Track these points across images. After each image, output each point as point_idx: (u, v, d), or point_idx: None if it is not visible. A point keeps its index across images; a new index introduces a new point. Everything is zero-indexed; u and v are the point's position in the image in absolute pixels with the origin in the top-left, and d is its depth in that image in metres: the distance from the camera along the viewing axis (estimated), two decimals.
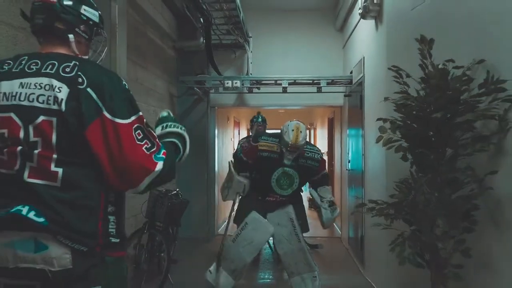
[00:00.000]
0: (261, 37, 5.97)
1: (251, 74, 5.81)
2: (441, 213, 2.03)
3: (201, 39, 5.47)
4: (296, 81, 5.39)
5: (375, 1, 3.70)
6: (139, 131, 1.36)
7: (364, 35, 4.40)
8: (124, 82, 1.40)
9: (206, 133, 5.99)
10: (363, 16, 3.89)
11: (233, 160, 3.59)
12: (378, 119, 2.41)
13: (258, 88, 5.69)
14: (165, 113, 1.68)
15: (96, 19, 1.50)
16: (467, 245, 2.07)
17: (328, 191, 3.39)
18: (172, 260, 3.60)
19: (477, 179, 2.07)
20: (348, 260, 5.09)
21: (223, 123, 7.28)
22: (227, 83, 5.32)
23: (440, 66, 2.09)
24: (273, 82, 5.46)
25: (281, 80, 5.34)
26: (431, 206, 2.03)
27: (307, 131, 3.82)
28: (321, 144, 9.43)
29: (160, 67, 5.09)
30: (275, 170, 3.20)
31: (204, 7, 4.68)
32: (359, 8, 3.91)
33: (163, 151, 1.40)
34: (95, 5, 1.52)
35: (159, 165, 1.36)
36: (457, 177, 2.03)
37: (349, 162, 5.33)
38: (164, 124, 1.62)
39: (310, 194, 3.58)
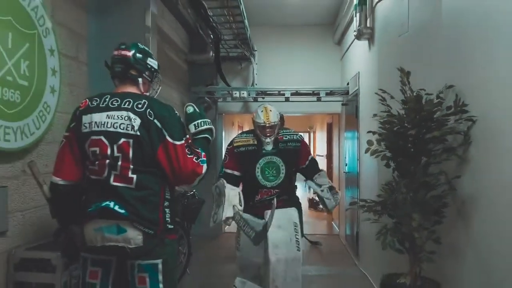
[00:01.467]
0: (265, 50, 6.50)
1: (256, 84, 6.33)
2: (416, 210, 2.54)
3: (211, 53, 5.99)
4: (298, 91, 5.91)
5: (368, 25, 4.22)
6: (188, 147, 1.88)
7: (359, 52, 4.92)
8: (176, 112, 1.92)
9: (215, 138, 6.49)
10: (357, 37, 4.41)
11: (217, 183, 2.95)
12: (368, 132, 2.93)
13: (263, 98, 6.20)
14: (191, 109, 2.17)
15: (156, 67, 2.03)
16: (437, 235, 2.58)
17: (324, 176, 3.17)
18: (189, 253, 4.10)
19: (447, 182, 2.59)
20: (345, 254, 5.61)
21: (228, 127, 7.81)
22: (235, 93, 5.84)
23: (415, 93, 2.61)
24: (277, 92, 5.97)
25: (284, 91, 5.86)
26: (407, 204, 2.55)
27: (305, 134, 3.96)
28: (321, 146, 9.95)
29: (175, 79, 5.61)
30: (257, 162, 2.96)
31: (215, 25, 5.20)
32: (354, 31, 4.43)
33: (203, 153, 1.93)
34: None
35: (204, 167, 1.90)
36: (427, 181, 2.54)
37: (346, 165, 5.84)
38: (196, 123, 2.10)
39: (309, 187, 3.32)
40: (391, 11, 3.79)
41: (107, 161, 1.80)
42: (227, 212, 2.64)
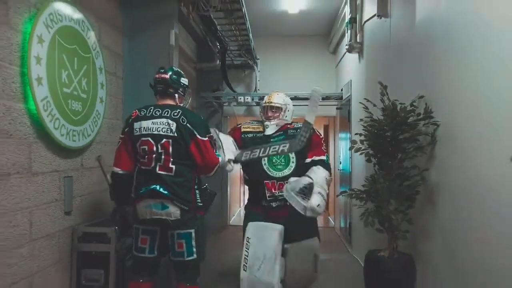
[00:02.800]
0: (267, 59, 7.12)
1: (258, 90, 6.95)
2: (393, 196, 3.16)
3: (217, 61, 6.60)
4: (297, 96, 6.53)
5: (358, 40, 4.84)
6: (210, 142, 2.51)
7: (350, 63, 5.55)
8: (202, 117, 2.55)
9: None
10: (349, 50, 5.03)
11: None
12: (356, 134, 3.55)
13: None
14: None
15: (187, 84, 2.65)
16: (410, 217, 3.21)
17: (315, 172, 2.71)
18: None
19: (418, 173, 3.21)
20: (339, 243, 6.24)
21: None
22: (240, 98, 6.46)
23: (391, 102, 3.24)
24: None
25: None
26: (386, 192, 3.17)
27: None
28: None
29: None
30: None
31: (222, 38, 5.82)
32: (346, 44, 5.06)
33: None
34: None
35: (220, 159, 2.53)
36: (401, 173, 3.17)
37: (340, 163, 6.47)
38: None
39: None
40: (376, 29, 4.42)
41: (154, 155, 2.42)
42: (228, 154, 2.64)
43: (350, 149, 3.41)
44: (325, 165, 2.88)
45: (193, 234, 2.47)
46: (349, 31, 4.94)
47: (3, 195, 2.09)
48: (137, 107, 2.54)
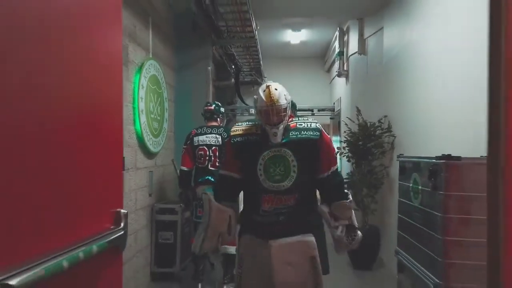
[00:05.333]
0: (272, 76, 8.54)
1: None
2: (364, 185, 4.63)
3: (232, 80, 8.06)
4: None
5: (345, 69, 6.31)
6: None
7: (340, 84, 7.03)
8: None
9: None
10: (338, 75, 6.51)
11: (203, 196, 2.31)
12: (340, 142, 5.02)
13: None
14: None
15: (223, 111, 4.11)
16: (376, 200, 4.67)
17: (345, 208, 2.21)
18: None
19: (383, 169, 4.67)
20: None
21: None
22: (251, 110, 7.93)
23: (363, 120, 4.71)
24: None
25: None
26: (359, 182, 4.64)
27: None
28: None
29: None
30: (259, 157, 2.13)
31: (237, 61, 7.28)
32: (336, 71, 6.52)
33: None
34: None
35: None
36: (371, 169, 4.64)
37: None
38: None
39: (320, 210, 2.23)
40: (357, 62, 5.88)
41: (207, 158, 3.86)
42: (209, 242, 2.10)
43: (337, 153, 4.88)
44: (342, 182, 2.34)
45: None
46: (338, 61, 6.41)
47: (128, 181, 3.54)
48: (183, 123, 4.04)
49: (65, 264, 1.09)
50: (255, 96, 2.17)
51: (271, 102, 2.07)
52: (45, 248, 1.06)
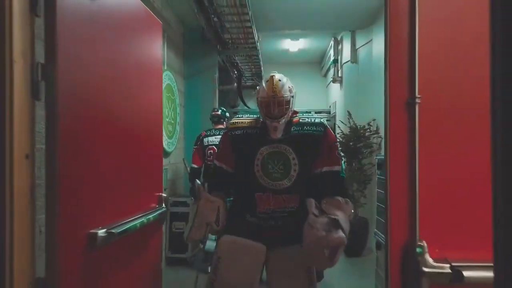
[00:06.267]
0: None
1: None
2: (355, 181, 5.19)
3: (235, 84, 8.62)
4: (296, 111, 8.57)
5: (339, 75, 6.87)
6: None
7: (335, 89, 7.59)
8: None
9: None
10: (333, 81, 7.06)
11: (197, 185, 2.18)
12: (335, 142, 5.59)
13: None
14: None
15: (229, 115, 4.67)
16: (365, 194, 5.24)
17: (338, 204, 1.84)
18: None
19: (372, 167, 5.24)
20: None
21: None
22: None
23: (354, 123, 5.28)
24: None
25: None
26: (350, 179, 5.21)
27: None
28: None
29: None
30: (257, 153, 1.96)
31: (240, 67, 7.84)
32: (331, 77, 7.08)
33: None
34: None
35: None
36: (360, 167, 5.21)
37: None
38: None
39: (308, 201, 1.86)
40: (350, 70, 6.44)
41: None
42: (196, 232, 1.90)
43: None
44: (341, 183, 2.02)
45: None
46: (332, 68, 6.97)
47: None
48: (192, 125, 4.60)
49: (137, 225, 1.66)
50: (257, 87, 2.07)
51: (273, 93, 1.92)
52: (128, 215, 1.64)
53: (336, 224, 1.70)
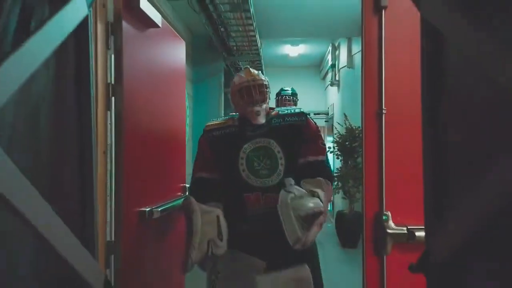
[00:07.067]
0: (273, 83, 9.49)
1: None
2: (350, 178, 5.63)
3: None
4: None
5: (336, 79, 7.30)
6: None
7: (333, 92, 8.03)
8: None
9: None
10: (331, 85, 7.50)
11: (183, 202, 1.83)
12: (331, 142, 6.02)
13: None
14: None
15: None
16: (360, 189, 5.66)
17: (318, 184, 1.76)
18: None
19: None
20: None
21: None
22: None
23: (349, 124, 5.72)
24: None
25: None
26: (346, 175, 5.64)
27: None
28: None
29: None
30: (240, 150, 1.83)
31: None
32: (329, 81, 7.52)
33: None
34: None
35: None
36: (355, 165, 5.65)
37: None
38: None
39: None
40: (347, 74, 6.86)
41: None
42: (198, 252, 1.61)
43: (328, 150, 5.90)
44: (326, 170, 1.91)
45: None
46: (330, 72, 7.41)
47: None
48: (199, 127, 5.01)
49: (169, 208, 2.09)
50: (231, 82, 2.00)
51: (252, 76, 1.89)
52: (162, 200, 2.07)
53: (314, 196, 1.66)
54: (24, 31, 0.81)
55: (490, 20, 0.80)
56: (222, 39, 5.64)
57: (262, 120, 1.84)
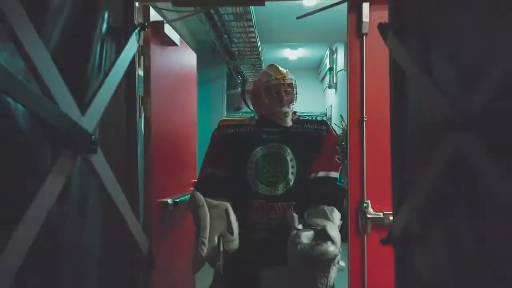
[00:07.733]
0: None
1: None
2: (346, 175, 5.96)
3: (239, 88, 9.40)
4: (295, 112, 9.37)
5: (334, 82, 7.64)
6: None
7: (330, 94, 8.37)
8: None
9: None
10: (329, 87, 7.84)
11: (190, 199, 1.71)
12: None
13: None
14: None
15: None
16: None
17: (322, 213, 1.62)
18: None
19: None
20: None
21: None
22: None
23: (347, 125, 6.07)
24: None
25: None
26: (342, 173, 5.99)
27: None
28: None
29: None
30: (250, 153, 1.72)
31: (245, 74, 8.62)
32: (327, 83, 7.86)
33: None
34: None
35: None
36: None
37: None
38: None
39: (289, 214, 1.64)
40: (344, 77, 7.18)
41: None
42: (208, 249, 1.50)
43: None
44: (335, 191, 1.77)
45: None
46: (328, 75, 7.75)
47: None
48: (203, 128, 5.34)
49: (181, 202, 2.44)
50: (252, 79, 1.93)
51: (282, 75, 1.79)
52: (177, 193, 2.42)
53: (323, 235, 1.50)
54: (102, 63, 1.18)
55: (427, 62, 1.15)
56: (225, 45, 5.99)
57: (290, 122, 1.75)
